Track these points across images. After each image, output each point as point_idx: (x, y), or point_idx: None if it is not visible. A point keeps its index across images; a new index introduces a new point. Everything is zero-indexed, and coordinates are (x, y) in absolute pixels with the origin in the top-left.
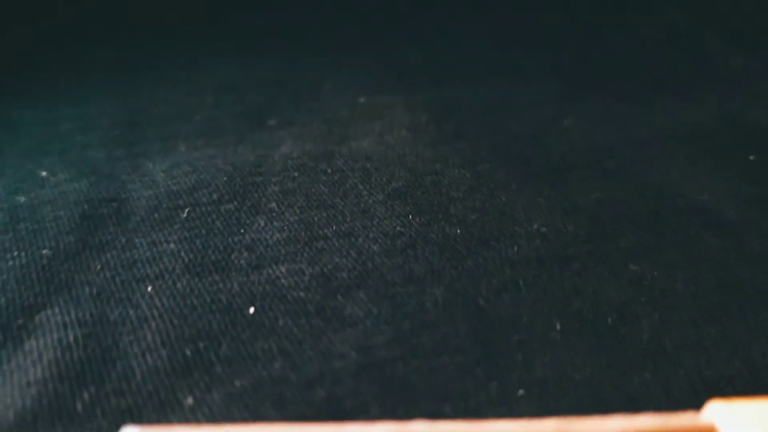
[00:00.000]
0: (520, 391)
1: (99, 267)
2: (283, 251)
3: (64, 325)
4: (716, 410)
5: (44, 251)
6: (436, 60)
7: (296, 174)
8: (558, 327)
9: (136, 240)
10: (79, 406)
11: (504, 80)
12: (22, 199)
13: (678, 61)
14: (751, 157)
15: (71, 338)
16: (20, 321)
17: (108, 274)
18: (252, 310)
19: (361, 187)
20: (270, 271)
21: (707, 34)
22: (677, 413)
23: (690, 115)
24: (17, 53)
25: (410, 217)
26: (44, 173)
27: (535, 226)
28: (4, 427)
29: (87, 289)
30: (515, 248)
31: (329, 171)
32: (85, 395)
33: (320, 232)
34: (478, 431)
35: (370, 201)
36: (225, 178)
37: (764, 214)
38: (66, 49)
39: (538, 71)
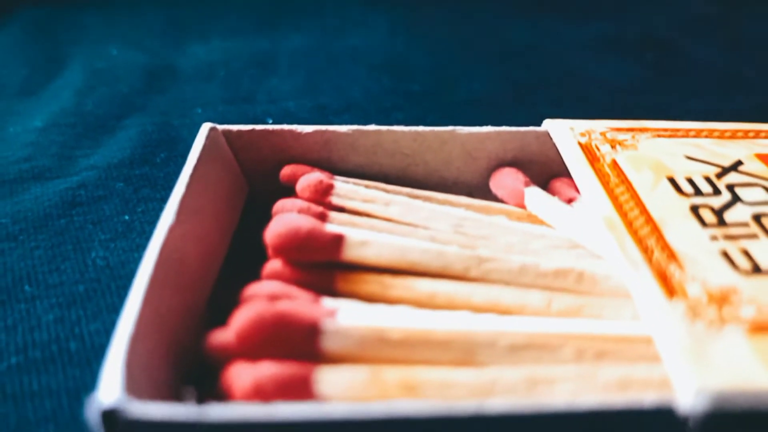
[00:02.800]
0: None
1: (162, 99)
2: (291, 95)
3: (141, 124)
4: (549, 123)
5: (121, 88)
6: None
7: (300, 55)
8: None
9: (186, 87)
10: (158, 159)
11: (467, 1)
12: (100, 64)
13: None
14: (648, 56)
15: (148, 129)
16: (112, 123)
17: (169, 102)
18: (270, 120)
19: (349, 63)
20: (282, 104)
21: None
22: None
23: (611, 28)
24: None
25: (384, 80)
26: (114, 51)
27: (475, 85)
28: (135, 163)
29: (155, 109)
30: (458, 95)
31: (325, 54)
32: (162, 154)
33: (318, 86)
34: (412, 132)
35: (356, 70)
36: (248, 56)
37: (632, 83)
38: None
39: None
